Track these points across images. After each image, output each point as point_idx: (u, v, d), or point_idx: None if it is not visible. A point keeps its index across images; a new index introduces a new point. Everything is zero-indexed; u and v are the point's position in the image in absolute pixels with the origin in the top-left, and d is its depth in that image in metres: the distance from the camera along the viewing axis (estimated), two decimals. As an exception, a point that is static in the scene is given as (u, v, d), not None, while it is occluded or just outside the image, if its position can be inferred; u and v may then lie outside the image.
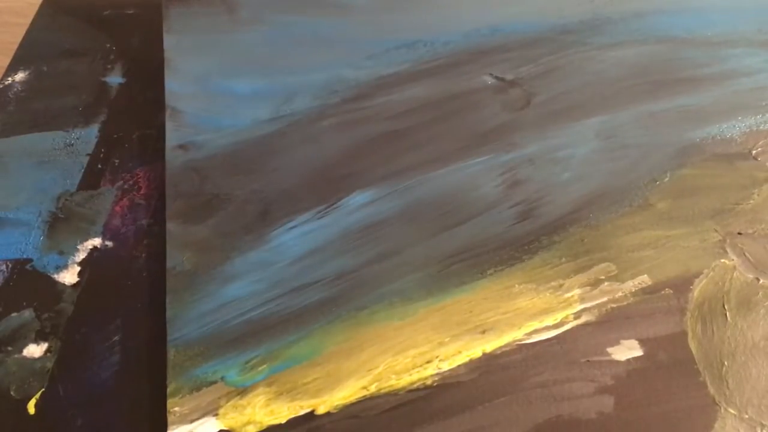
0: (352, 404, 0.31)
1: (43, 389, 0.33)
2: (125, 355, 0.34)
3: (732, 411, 0.31)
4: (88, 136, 0.45)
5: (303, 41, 0.48)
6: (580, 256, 0.36)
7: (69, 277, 0.37)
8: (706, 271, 0.36)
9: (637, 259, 0.36)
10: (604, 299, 0.35)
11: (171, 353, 0.32)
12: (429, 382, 0.32)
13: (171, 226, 0.37)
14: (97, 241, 0.39)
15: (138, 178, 0.42)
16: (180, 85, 0.45)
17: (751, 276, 0.36)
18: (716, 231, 0.37)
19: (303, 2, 0.51)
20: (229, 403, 0.31)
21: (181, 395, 0.31)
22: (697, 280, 0.35)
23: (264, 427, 0.30)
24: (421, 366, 0.32)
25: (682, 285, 0.35)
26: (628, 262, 0.36)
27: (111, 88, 0.48)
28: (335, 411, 0.31)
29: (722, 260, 0.36)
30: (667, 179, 0.40)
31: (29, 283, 0.37)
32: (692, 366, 0.33)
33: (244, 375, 0.32)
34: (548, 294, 0.35)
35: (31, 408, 0.32)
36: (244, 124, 0.42)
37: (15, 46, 0.51)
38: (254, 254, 0.36)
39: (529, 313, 0.34)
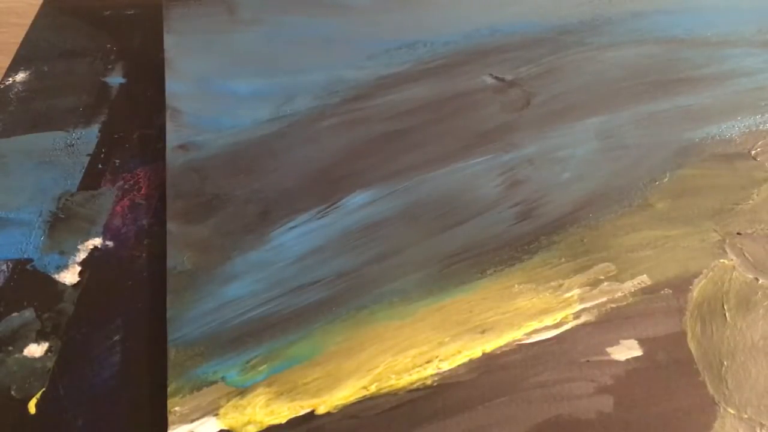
0: (352, 404, 0.31)
1: (44, 389, 0.33)
2: (125, 355, 0.34)
3: (731, 411, 0.31)
4: (89, 136, 0.45)
5: (303, 41, 0.48)
6: (579, 256, 0.36)
7: (69, 277, 0.37)
8: (705, 271, 0.36)
9: (636, 259, 0.36)
10: (604, 299, 0.35)
11: (171, 353, 0.32)
12: (429, 382, 0.32)
13: (171, 226, 0.37)
14: (97, 241, 0.39)
15: (138, 178, 0.42)
16: (180, 85, 0.45)
17: (750, 276, 0.36)
18: (716, 231, 0.38)
19: (303, 2, 0.51)
20: (229, 403, 0.31)
21: (181, 395, 0.31)
22: (696, 280, 0.35)
23: (264, 427, 0.30)
24: (421, 366, 0.32)
25: (681, 285, 0.35)
26: (628, 262, 0.36)
27: (111, 88, 0.48)
28: (335, 411, 0.31)
29: (722, 260, 0.36)
30: (666, 179, 0.40)
31: (30, 283, 0.37)
32: (692, 366, 0.33)
33: (244, 375, 0.32)
34: (548, 294, 0.35)
35: (31, 408, 0.32)
36: (244, 124, 0.43)
37: (15, 46, 0.51)
38: (254, 254, 0.36)
39: (528, 313, 0.34)
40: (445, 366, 0.32)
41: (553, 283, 0.35)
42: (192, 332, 0.33)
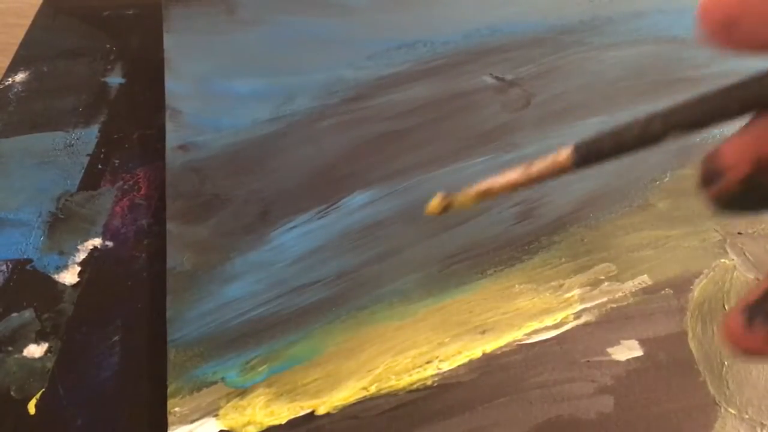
0: (352, 405, 0.31)
1: (44, 389, 0.33)
2: (125, 355, 0.34)
3: (732, 411, 0.31)
4: (88, 136, 0.45)
5: (303, 41, 0.48)
6: (580, 256, 0.36)
7: (69, 277, 0.37)
8: (706, 271, 0.36)
9: (637, 259, 0.36)
10: (604, 299, 0.35)
11: (171, 353, 0.32)
12: (429, 382, 0.32)
13: (171, 227, 0.37)
14: (97, 242, 0.39)
15: (138, 178, 0.42)
16: (180, 85, 0.45)
17: (751, 276, 0.36)
18: (716, 231, 0.37)
19: (303, 2, 0.51)
20: (229, 404, 0.31)
21: (181, 395, 0.31)
22: (697, 280, 0.35)
23: (264, 428, 0.30)
24: (421, 366, 0.32)
25: (682, 285, 0.35)
26: (628, 262, 0.36)
27: (111, 88, 0.48)
28: (335, 411, 0.31)
29: (722, 260, 0.36)
30: (667, 179, 0.40)
31: (29, 283, 0.37)
32: (692, 366, 0.33)
33: (244, 375, 0.32)
34: (548, 294, 0.35)
35: (31, 408, 0.32)
36: (244, 124, 0.42)
37: (15, 47, 0.51)
38: (254, 254, 0.36)
39: (529, 313, 0.34)
40: (445, 366, 0.32)
41: (553, 283, 0.35)
42: (192, 332, 0.33)
